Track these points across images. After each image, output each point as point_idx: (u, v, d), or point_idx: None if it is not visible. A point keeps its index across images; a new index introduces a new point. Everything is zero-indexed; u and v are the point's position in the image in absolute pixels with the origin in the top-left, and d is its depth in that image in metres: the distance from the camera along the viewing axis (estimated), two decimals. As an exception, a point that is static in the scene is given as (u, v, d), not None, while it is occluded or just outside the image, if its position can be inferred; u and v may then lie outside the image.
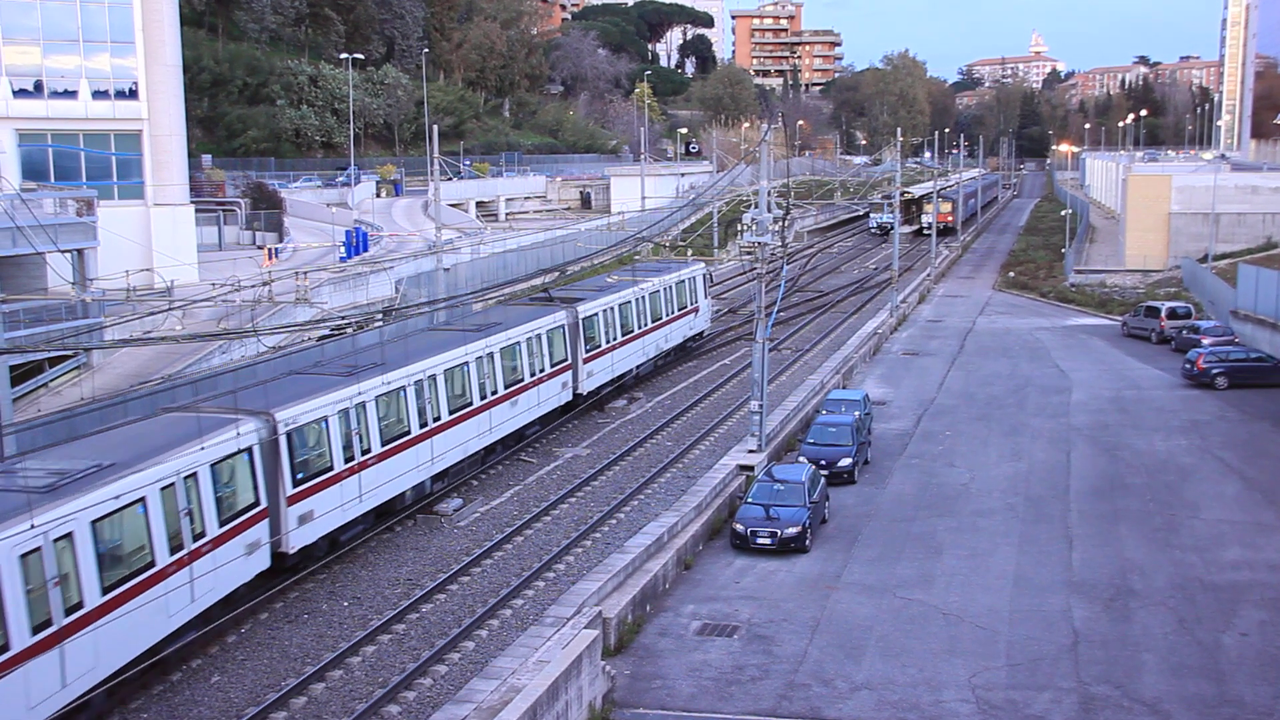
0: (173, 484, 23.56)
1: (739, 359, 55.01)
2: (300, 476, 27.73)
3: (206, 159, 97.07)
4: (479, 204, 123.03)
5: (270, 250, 71.08)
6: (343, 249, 73.46)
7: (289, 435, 27.34)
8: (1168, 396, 50.14)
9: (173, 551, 23.34)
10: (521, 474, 37.58)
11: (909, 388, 52.13)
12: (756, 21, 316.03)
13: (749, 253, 39.61)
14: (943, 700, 22.88)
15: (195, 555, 24.03)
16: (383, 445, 31.01)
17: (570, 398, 42.59)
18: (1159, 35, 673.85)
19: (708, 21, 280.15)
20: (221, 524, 25.00)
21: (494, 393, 36.80)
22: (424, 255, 67.62)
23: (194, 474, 24.23)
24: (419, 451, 32.65)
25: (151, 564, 22.71)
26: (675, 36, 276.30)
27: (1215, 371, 51.18)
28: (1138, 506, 35.05)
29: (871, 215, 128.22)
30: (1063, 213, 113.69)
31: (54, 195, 50.81)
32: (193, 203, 65.46)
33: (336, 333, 47.10)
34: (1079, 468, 39.32)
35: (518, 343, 38.67)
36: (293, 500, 27.47)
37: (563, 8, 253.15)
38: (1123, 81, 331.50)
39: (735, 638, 25.83)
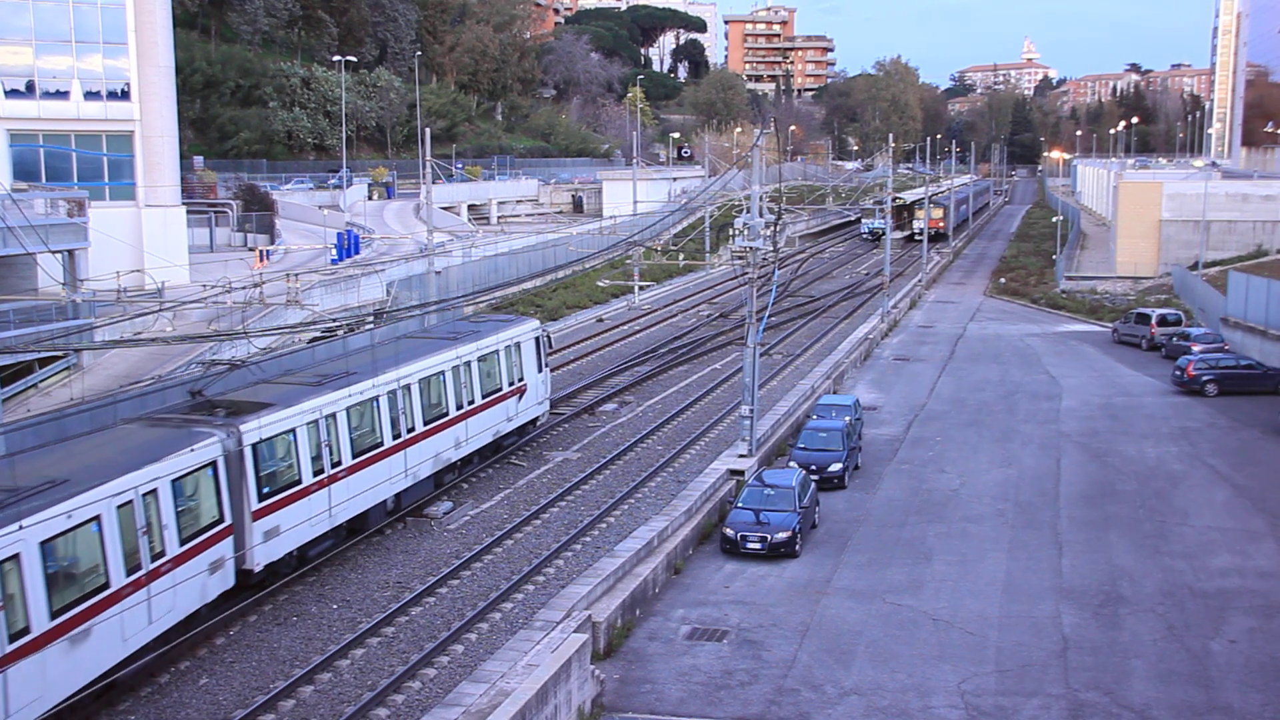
0: None
1: (730, 364, 55.02)
2: None
3: (198, 160, 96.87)
4: (471, 207, 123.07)
5: (261, 252, 71.00)
6: (334, 251, 73.46)
7: None
8: (1158, 403, 50.25)
9: None
10: (512, 477, 37.52)
11: (900, 393, 52.19)
12: (749, 27, 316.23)
13: (740, 258, 39.09)
14: (932, 706, 22.88)
15: None
16: None
17: (231, 583, 25.95)
18: (1151, 43, 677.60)
19: (700, 26, 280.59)
20: None
21: (20, 633, 19.81)
22: (415, 258, 67.58)
23: None
24: None
25: None
26: (668, 41, 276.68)
27: (1205, 378, 51.30)
28: (1127, 513, 35.11)
29: (863, 221, 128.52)
30: (1054, 219, 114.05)
31: (45, 196, 50.73)
32: (184, 204, 65.35)
33: (328, 335, 47.04)
34: (1069, 474, 39.38)
35: (97, 517, 21.71)
36: None
37: (555, 11, 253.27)
38: (1114, 89, 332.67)
39: (724, 642, 25.81)
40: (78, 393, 40.77)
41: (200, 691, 23.19)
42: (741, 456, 36.61)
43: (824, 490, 36.10)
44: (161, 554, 23.45)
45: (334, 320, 47.89)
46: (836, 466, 37.52)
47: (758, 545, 30.86)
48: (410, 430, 32.68)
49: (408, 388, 32.62)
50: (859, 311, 74.78)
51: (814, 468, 36.84)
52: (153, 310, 41.26)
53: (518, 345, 39.43)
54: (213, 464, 25.32)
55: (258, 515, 26.60)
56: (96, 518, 21.74)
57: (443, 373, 34.63)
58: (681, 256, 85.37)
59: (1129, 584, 29.34)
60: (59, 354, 42.96)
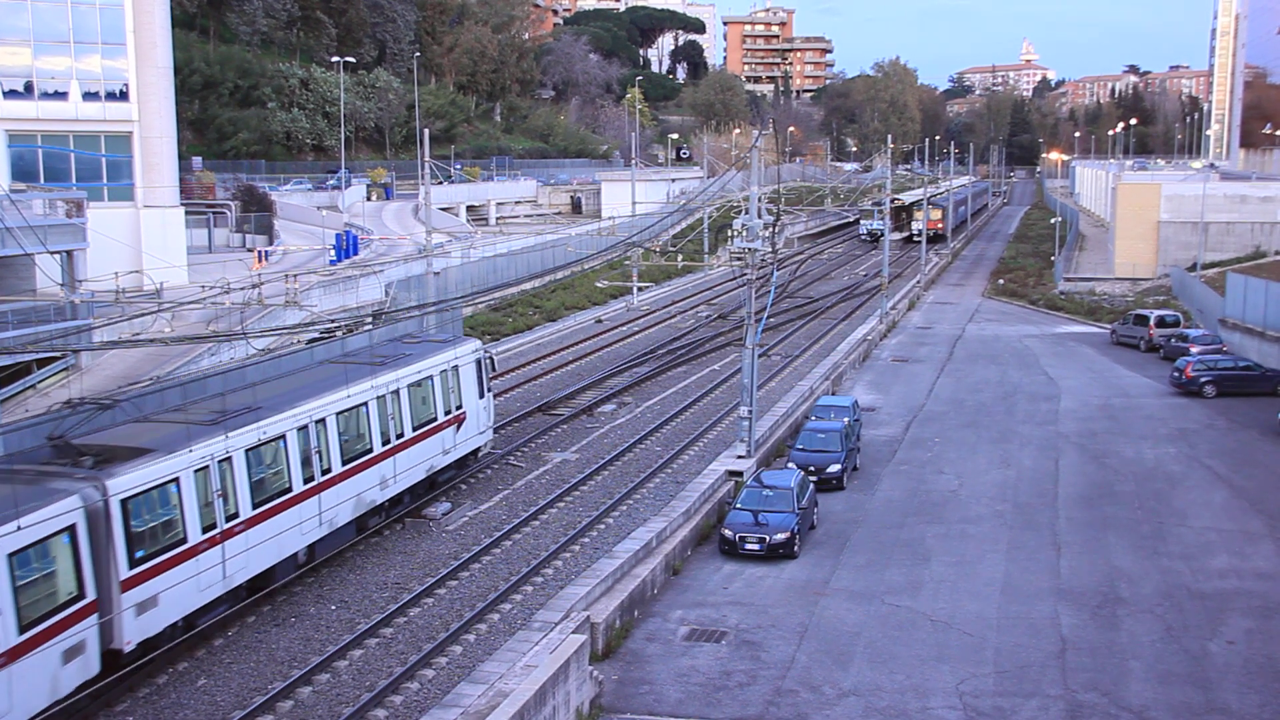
0: None
1: (729, 364, 55.02)
2: None
3: (197, 161, 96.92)
4: (469, 208, 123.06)
5: (260, 253, 71.00)
6: (333, 252, 73.46)
7: None
8: (1156, 404, 50.26)
9: None
10: (510, 478, 37.50)
11: (898, 394, 52.19)
12: (748, 28, 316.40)
13: (739, 259, 39.06)
14: (930, 707, 22.88)
15: None
16: None
17: (95, 670, 21.41)
18: (1149, 45, 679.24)
19: (699, 27, 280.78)
20: None
21: None
22: (414, 259, 67.58)
23: None
24: None
25: None
26: (667, 42, 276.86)
27: (1203, 380, 51.32)
28: (1126, 514, 35.12)
29: (861, 222, 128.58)
30: (1052, 220, 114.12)
31: (43, 196, 50.78)
32: (183, 205, 65.40)
33: (326, 336, 47.00)
34: (1067, 475, 39.38)
35: None
36: None
37: (554, 12, 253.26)
38: (1113, 90, 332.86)
39: (723, 643, 25.81)
40: (75, 393, 40.73)
41: (198, 692, 23.16)
42: (740, 457, 36.60)
43: (822, 491, 36.11)
44: None
45: (332, 321, 47.84)
46: (835, 467, 37.52)
47: (756, 546, 30.87)
48: (326, 471, 28.42)
49: (322, 422, 28.39)
50: (857, 313, 74.78)
51: (812, 469, 36.84)
52: (151, 311, 41.23)
53: (455, 369, 35.24)
54: (69, 528, 20.70)
55: (128, 585, 21.97)
56: None
57: (365, 404, 30.27)
58: (680, 257, 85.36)
59: (1127, 585, 29.35)
60: (57, 355, 42.96)
